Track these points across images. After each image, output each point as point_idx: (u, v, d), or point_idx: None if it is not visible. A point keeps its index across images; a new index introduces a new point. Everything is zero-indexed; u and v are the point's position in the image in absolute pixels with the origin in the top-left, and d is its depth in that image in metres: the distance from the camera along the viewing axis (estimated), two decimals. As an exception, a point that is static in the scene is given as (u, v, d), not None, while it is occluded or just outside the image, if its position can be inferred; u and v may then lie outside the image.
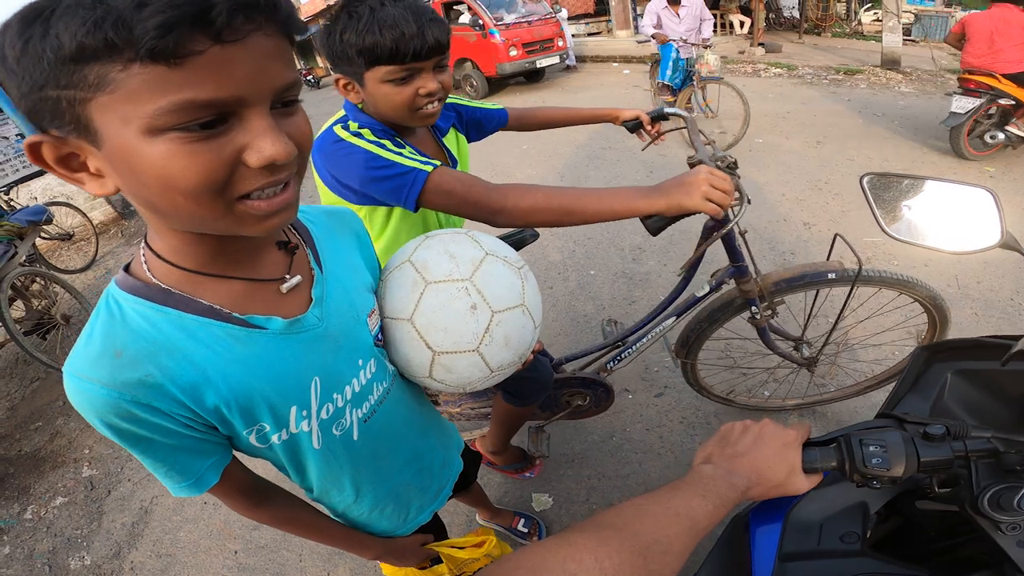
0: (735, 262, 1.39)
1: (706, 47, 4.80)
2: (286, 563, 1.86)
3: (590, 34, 13.75)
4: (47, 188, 5.62)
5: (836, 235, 1.32)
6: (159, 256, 0.54)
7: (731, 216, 1.19)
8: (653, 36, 5.03)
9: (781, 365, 1.83)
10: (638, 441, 2.00)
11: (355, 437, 0.71)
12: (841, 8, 11.89)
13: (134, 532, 2.15)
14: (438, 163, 0.98)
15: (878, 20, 10.46)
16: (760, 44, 9.14)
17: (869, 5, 11.36)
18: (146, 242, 0.55)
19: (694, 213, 0.95)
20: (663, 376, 2.27)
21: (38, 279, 3.57)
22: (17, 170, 6.16)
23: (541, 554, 0.41)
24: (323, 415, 0.65)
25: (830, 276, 1.41)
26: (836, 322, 1.48)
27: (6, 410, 3.25)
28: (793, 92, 6.56)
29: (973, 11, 3.09)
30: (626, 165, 4.69)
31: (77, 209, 5.25)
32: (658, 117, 1.55)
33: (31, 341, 2.97)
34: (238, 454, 0.67)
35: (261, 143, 0.42)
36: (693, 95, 4.94)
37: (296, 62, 0.44)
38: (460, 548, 0.96)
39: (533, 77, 9.29)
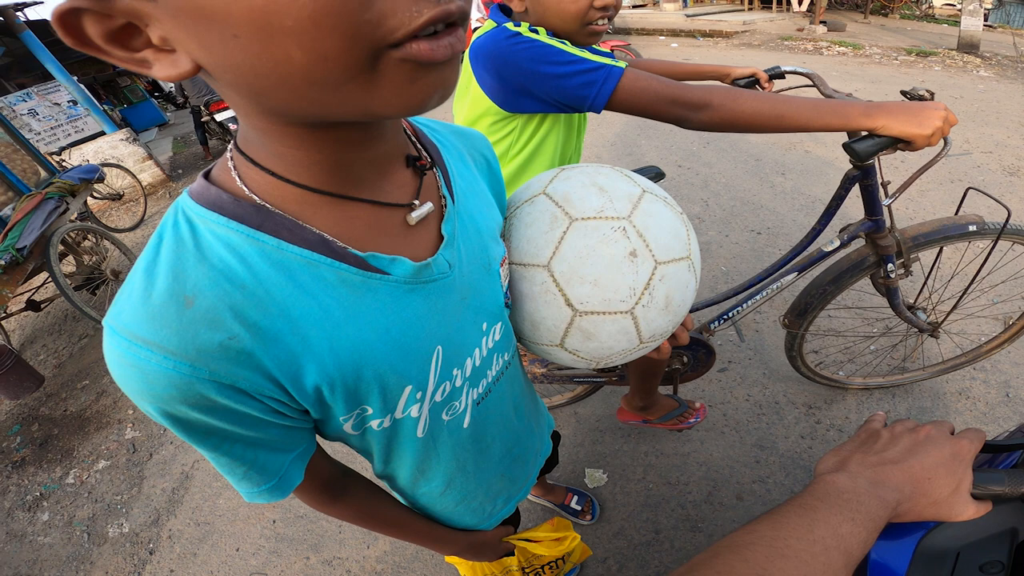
0: (873, 215, 1.23)
1: None
2: (325, 534, 1.79)
3: (635, 6, 13.31)
4: (98, 151, 5.71)
5: (968, 188, 1.22)
6: (256, 164, 0.37)
7: (874, 166, 1.11)
8: None
9: (890, 331, 1.71)
10: (699, 417, 1.88)
11: (465, 424, 0.55)
12: (912, -12, 11.16)
13: (174, 499, 2.10)
14: (625, 64, 0.94)
15: (950, 4, 9.94)
16: (822, 22, 8.61)
17: (944, -15, 10.63)
18: (236, 145, 0.39)
19: (901, 146, 0.88)
20: (727, 351, 2.12)
21: (89, 235, 3.60)
22: (69, 135, 6.38)
23: None
24: (437, 397, 0.49)
25: (971, 228, 1.26)
26: (971, 282, 1.37)
27: (53, 368, 3.23)
28: (860, 71, 6.17)
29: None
30: (680, 135, 4.47)
31: (127, 170, 5.31)
32: (776, 76, 1.43)
33: (81, 296, 2.96)
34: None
35: None
36: None
37: None
38: (537, 542, 0.85)
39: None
